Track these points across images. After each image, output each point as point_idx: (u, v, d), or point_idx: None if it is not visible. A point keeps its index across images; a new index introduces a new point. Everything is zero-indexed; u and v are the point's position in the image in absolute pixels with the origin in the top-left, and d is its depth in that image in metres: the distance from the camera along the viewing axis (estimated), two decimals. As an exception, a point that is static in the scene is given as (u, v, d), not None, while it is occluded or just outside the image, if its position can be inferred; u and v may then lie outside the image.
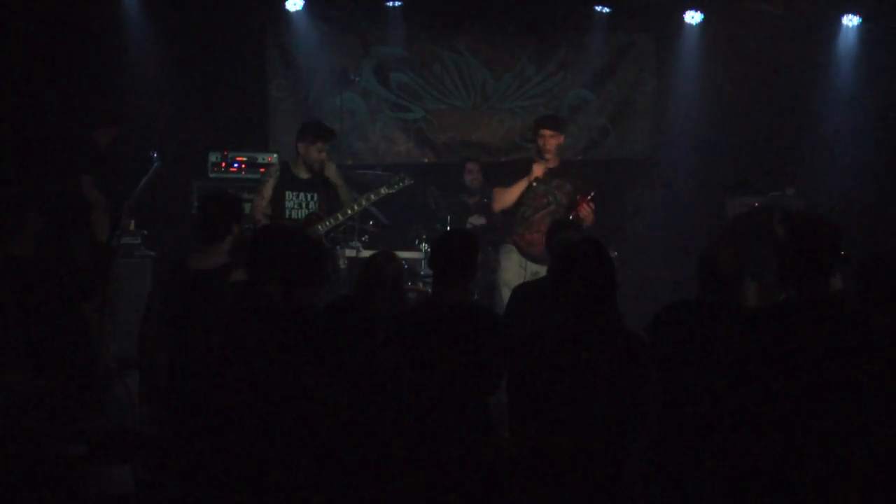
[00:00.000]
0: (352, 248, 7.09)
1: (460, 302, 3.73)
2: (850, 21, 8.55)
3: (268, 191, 6.21)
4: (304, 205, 6.25)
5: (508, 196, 6.30)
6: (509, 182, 6.34)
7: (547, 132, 6.30)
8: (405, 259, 7.14)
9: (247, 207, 6.87)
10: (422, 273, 7.37)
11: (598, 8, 8.63)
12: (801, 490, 3.34)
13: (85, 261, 6.30)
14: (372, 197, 6.40)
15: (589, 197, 6.11)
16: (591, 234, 6.28)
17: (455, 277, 3.72)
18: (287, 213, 6.22)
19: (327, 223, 6.23)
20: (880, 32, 8.37)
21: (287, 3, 8.15)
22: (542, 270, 6.01)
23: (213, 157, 7.68)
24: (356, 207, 6.39)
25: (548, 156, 6.30)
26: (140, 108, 7.70)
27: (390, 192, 6.42)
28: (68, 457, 4.51)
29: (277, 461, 3.49)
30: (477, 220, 7.84)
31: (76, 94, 7.26)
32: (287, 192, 6.22)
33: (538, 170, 6.23)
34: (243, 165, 7.70)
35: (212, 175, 7.64)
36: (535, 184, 6.24)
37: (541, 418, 3.38)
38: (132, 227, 7.19)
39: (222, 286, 4.12)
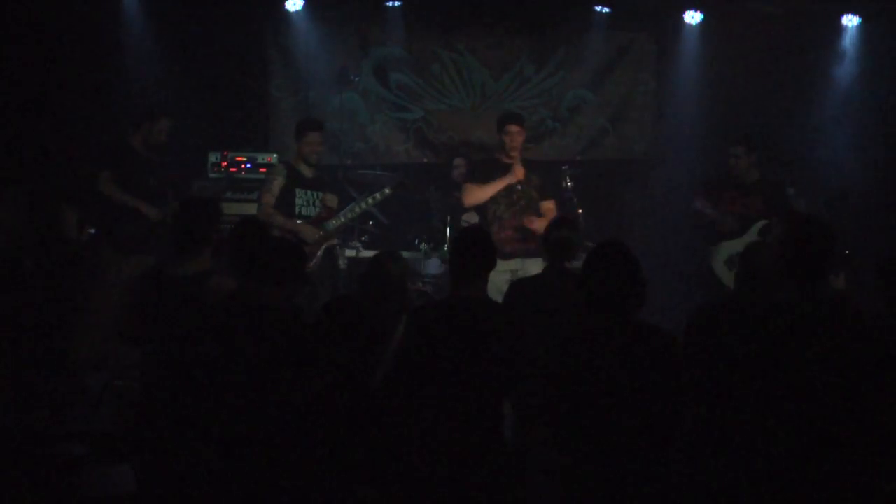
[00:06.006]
0: (352, 248, 7.09)
1: (480, 298, 3.81)
2: (850, 21, 8.54)
3: (276, 189, 6.22)
4: (311, 202, 6.28)
5: (484, 193, 6.26)
6: (482, 178, 6.30)
7: (514, 128, 6.29)
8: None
9: (249, 207, 6.91)
10: (422, 273, 7.37)
11: (598, 8, 8.61)
12: (804, 489, 3.35)
13: (41, 256, 6.34)
14: (378, 196, 6.46)
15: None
16: (587, 232, 6.33)
17: (475, 274, 3.81)
18: (297, 209, 6.24)
19: (334, 222, 6.30)
20: (880, 32, 8.37)
21: (287, 4, 8.16)
22: (511, 265, 6.02)
23: (213, 157, 7.69)
24: (357, 210, 6.46)
25: (513, 153, 6.28)
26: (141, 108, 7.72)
27: (390, 193, 6.50)
28: (68, 457, 4.52)
29: (278, 462, 3.49)
30: (471, 218, 7.82)
31: (76, 95, 7.26)
32: (297, 190, 6.26)
33: (519, 173, 6.20)
34: (243, 165, 7.70)
35: (212, 175, 7.64)
36: (519, 187, 6.23)
37: (567, 417, 3.38)
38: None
39: (206, 292, 3.91)
